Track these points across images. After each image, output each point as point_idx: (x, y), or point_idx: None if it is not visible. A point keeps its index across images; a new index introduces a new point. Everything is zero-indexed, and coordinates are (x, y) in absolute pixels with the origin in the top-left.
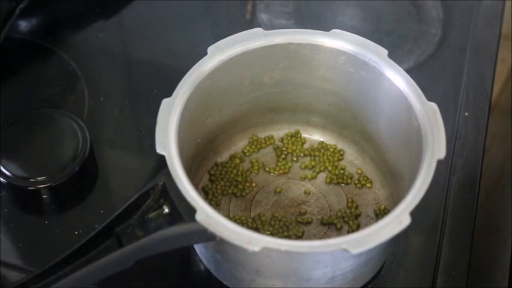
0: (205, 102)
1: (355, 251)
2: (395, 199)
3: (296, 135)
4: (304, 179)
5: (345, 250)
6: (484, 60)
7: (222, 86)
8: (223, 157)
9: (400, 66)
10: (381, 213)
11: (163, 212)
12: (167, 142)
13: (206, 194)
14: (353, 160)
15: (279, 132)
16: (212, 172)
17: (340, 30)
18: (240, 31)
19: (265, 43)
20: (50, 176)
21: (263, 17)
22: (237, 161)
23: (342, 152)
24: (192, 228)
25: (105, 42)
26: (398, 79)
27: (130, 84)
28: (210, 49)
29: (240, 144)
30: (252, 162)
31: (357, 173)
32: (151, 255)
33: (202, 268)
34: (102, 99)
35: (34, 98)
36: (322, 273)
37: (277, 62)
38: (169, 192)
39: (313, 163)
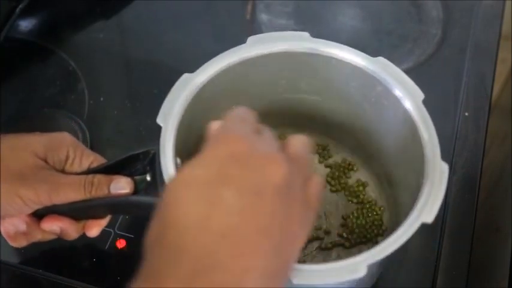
0: (232, 89)
1: (296, 281)
2: None
3: (325, 148)
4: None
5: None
6: (484, 60)
7: (255, 78)
8: None
9: (400, 66)
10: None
11: (146, 179)
12: (170, 115)
13: None
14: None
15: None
16: None
17: (385, 60)
18: (240, 31)
19: (308, 49)
20: None
21: (263, 17)
22: None
23: (364, 185)
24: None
25: (105, 42)
26: (422, 130)
27: (130, 84)
28: (250, 39)
29: None
30: None
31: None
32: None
33: None
34: (102, 99)
35: (34, 98)
36: None
37: (317, 71)
38: (156, 163)
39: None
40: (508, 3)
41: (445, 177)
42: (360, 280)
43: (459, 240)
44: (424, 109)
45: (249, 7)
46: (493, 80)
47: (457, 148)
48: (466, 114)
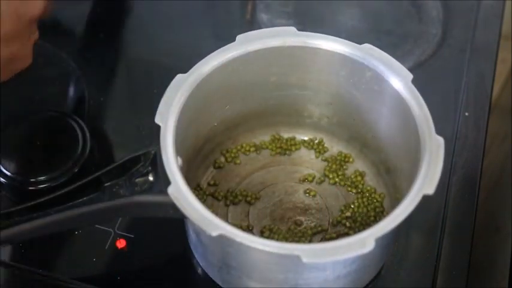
0: (225, 87)
1: (306, 260)
2: None
3: (320, 142)
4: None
5: (298, 257)
6: (484, 60)
7: (246, 76)
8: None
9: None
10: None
11: (149, 180)
12: (167, 114)
13: (218, 168)
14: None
15: (302, 136)
16: (223, 157)
17: (371, 46)
18: (240, 31)
19: (295, 43)
20: (50, 176)
21: (263, 17)
22: (253, 149)
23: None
24: (164, 200)
25: (105, 42)
26: (415, 107)
27: (130, 84)
28: (239, 37)
29: (261, 139)
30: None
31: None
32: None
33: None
34: (102, 99)
35: (34, 98)
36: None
37: (306, 64)
38: (158, 162)
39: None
40: (508, 3)
41: (442, 149)
42: (369, 261)
43: (459, 240)
44: (414, 88)
45: (249, 7)
46: (493, 80)
47: (457, 148)
48: (466, 114)
